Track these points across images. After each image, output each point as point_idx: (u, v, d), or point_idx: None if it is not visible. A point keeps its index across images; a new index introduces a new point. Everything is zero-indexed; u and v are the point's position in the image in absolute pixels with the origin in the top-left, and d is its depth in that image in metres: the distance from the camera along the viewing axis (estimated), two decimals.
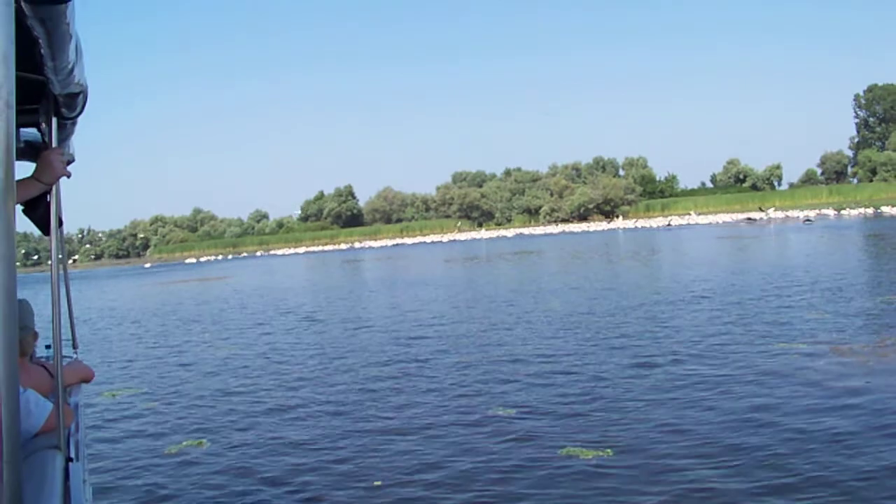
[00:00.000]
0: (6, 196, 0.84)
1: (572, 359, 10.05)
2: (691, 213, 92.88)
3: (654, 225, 79.86)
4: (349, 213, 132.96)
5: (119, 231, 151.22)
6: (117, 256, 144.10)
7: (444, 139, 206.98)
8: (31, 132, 3.98)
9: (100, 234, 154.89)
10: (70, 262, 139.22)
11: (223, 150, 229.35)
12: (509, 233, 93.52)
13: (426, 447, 6.61)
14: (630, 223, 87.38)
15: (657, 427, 6.62)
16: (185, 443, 7.33)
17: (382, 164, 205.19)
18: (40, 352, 4.10)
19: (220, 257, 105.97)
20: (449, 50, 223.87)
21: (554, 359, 10.15)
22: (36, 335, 3.35)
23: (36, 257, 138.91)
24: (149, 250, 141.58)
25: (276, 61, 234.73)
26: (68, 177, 2.60)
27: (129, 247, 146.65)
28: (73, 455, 2.66)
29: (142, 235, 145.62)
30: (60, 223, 2.87)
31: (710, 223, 71.74)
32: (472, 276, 28.74)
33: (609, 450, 6.06)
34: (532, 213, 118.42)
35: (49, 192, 2.59)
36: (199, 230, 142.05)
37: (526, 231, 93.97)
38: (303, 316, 18.73)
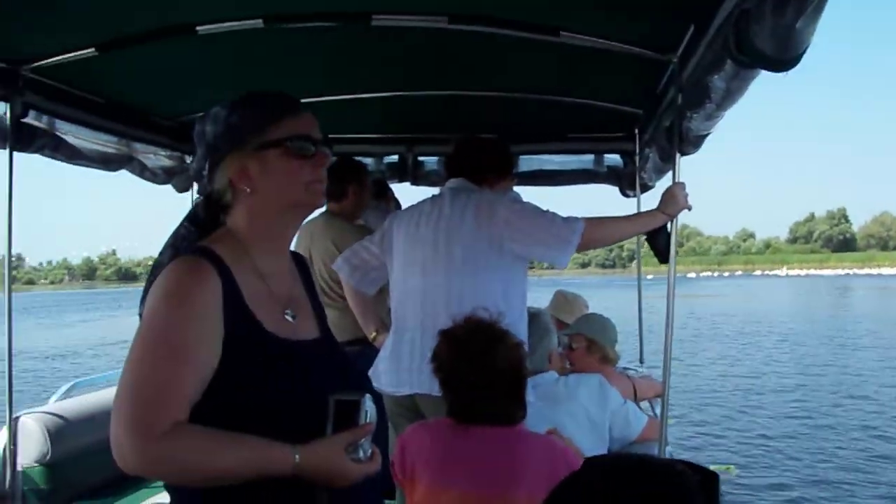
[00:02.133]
0: None
1: None
2: None
3: None
4: (841, 237, 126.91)
5: None
6: (603, 266, 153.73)
7: None
8: (613, 158, 4.37)
9: None
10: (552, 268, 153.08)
11: (706, 168, 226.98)
12: None
13: None
14: None
15: None
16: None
17: (880, 185, 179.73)
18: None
19: (715, 274, 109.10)
20: None
21: None
22: None
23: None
24: (633, 262, 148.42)
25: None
26: (689, 209, 2.72)
27: (615, 257, 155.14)
28: None
29: (628, 247, 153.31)
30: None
31: None
32: None
33: None
34: None
35: (669, 223, 2.75)
36: (685, 245, 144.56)
37: None
38: (822, 341, 17.62)
